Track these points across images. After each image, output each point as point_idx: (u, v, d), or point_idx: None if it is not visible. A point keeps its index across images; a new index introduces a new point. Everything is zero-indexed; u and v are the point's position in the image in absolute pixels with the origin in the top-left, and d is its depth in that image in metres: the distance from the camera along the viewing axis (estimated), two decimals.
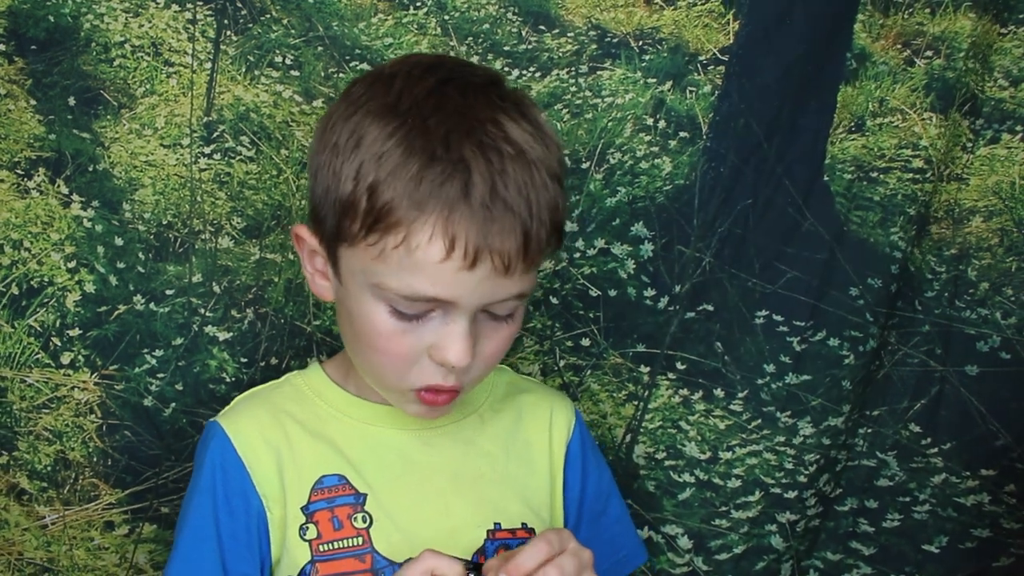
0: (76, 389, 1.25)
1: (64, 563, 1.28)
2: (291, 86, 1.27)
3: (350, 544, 1.03)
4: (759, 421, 1.37)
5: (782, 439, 1.38)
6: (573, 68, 1.31)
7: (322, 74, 1.27)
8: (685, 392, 1.37)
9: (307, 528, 1.03)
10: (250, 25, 1.26)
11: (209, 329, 1.27)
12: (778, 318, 1.36)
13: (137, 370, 1.26)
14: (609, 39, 1.31)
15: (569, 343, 1.35)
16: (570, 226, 1.32)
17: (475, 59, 1.29)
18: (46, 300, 1.24)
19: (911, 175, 1.36)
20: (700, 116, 1.33)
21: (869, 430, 1.40)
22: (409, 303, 0.95)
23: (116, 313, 1.25)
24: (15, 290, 1.23)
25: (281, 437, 1.05)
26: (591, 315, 1.35)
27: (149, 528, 1.29)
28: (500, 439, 1.11)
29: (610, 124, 1.32)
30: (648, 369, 1.36)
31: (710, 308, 1.36)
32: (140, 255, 1.26)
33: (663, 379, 1.36)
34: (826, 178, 1.35)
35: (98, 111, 1.23)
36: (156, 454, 1.27)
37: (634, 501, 1.37)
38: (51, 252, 1.23)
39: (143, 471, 1.27)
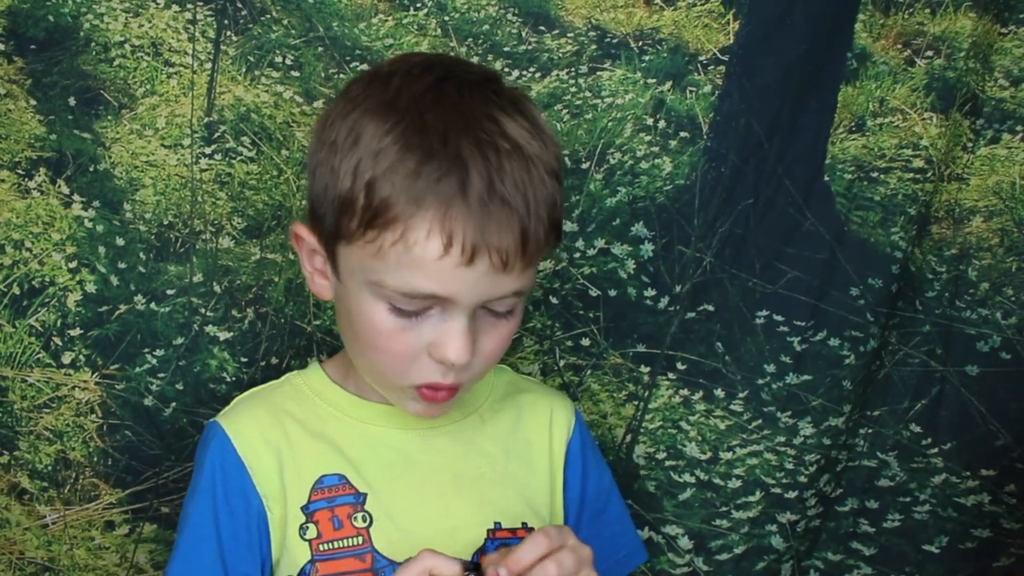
0: (77, 389, 1.25)
1: (65, 562, 1.28)
2: (291, 87, 1.27)
3: (350, 544, 1.03)
4: (759, 421, 1.37)
5: (782, 439, 1.38)
6: (573, 68, 1.31)
7: (322, 75, 1.27)
8: (685, 392, 1.37)
9: (307, 528, 1.03)
10: (250, 25, 1.26)
11: (210, 329, 1.27)
12: (779, 318, 1.36)
13: (138, 370, 1.26)
14: (609, 39, 1.31)
15: (569, 343, 1.35)
16: (570, 226, 1.32)
17: (475, 60, 1.29)
18: (47, 300, 1.24)
19: (912, 175, 1.36)
20: (700, 116, 1.33)
21: (870, 430, 1.40)
22: (408, 300, 0.95)
23: (117, 313, 1.26)
24: (16, 290, 1.23)
25: (281, 437, 1.05)
26: (591, 315, 1.35)
27: (149, 528, 1.29)
28: (500, 439, 1.11)
29: (610, 124, 1.32)
30: (648, 369, 1.36)
31: (711, 308, 1.36)
32: (141, 255, 1.26)
33: (663, 379, 1.36)
34: (827, 178, 1.35)
35: (98, 111, 1.24)
36: (156, 454, 1.28)
37: (634, 501, 1.37)
38: (52, 252, 1.24)
39: (143, 471, 1.28)
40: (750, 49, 1.32)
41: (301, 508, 1.03)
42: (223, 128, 1.26)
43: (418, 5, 1.29)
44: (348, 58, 1.27)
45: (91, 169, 1.24)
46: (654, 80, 1.32)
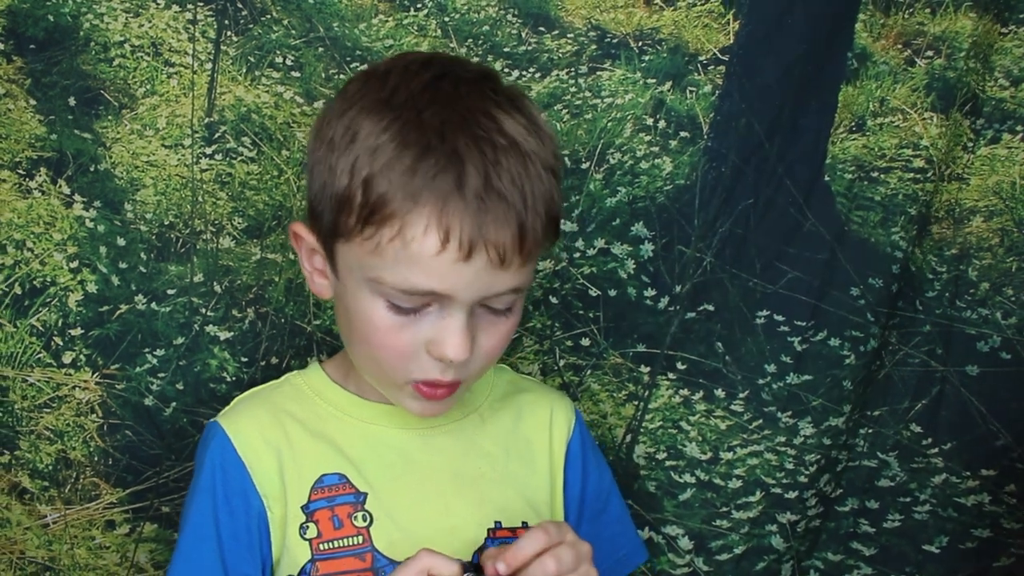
0: (77, 388, 1.25)
1: (65, 562, 1.28)
2: (292, 87, 1.27)
3: (350, 543, 1.03)
4: (760, 421, 1.37)
5: (783, 439, 1.38)
6: (573, 69, 1.31)
7: (323, 75, 1.27)
8: (686, 392, 1.37)
9: (307, 527, 1.03)
10: (251, 26, 1.26)
11: (210, 329, 1.28)
12: (779, 318, 1.36)
13: (138, 369, 1.26)
14: (609, 40, 1.31)
15: (569, 343, 1.35)
16: (570, 226, 1.32)
17: (475, 61, 1.29)
18: (48, 300, 1.24)
19: (912, 175, 1.36)
20: (700, 116, 1.33)
21: (870, 430, 1.40)
22: (406, 297, 0.95)
23: (118, 313, 1.26)
24: (18, 290, 1.24)
25: (281, 436, 1.05)
26: (591, 315, 1.35)
27: (150, 527, 1.29)
28: (500, 438, 1.11)
29: (610, 124, 1.32)
30: (648, 369, 1.36)
31: (711, 308, 1.36)
32: (142, 255, 1.26)
33: (663, 379, 1.36)
34: (827, 178, 1.35)
35: (99, 111, 1.24)
36: (157, 453, 1.28)
37: (635, 501, 1.37)
38: (54, 252, 1.24)
39: (144, 470, 1.28)
40: (750, 49, 1.32)
41: (301, 507, 1.03)
42: (224, 128, 1.26)
43: (418, 6, 1.29)
44: (348, 59, 1.28)
45: (91, 169, 1.24)
46: (654, 80, 1.32)
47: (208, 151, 1.26)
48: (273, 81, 1.27)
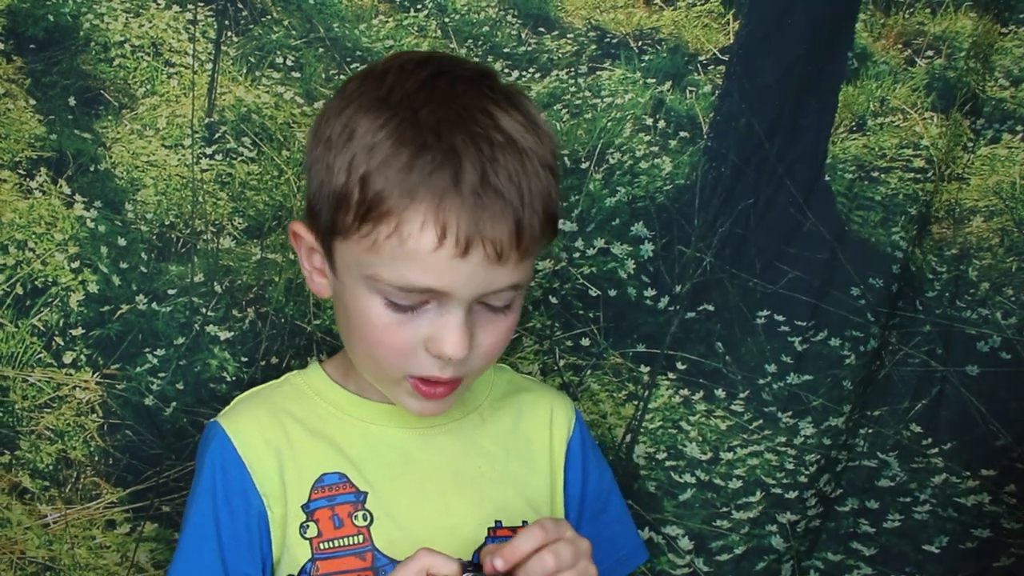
0: (78, 388, 1.26)
1: (66, 562, 1.28)
2: (292, 87, 1.27)
3: (350, 542, 1.03)
4: (760, 421, 1.37)
5: (783, 439, 1.38)
6: (572, 68, 1.31)
7: (323, 76, 1.28)
8: (686, 392, 1.37)
9: (307, 526, 1.03)
10: (251, 26, 1.26)
11: (210, 328, 1.28)
12: (779, 318, 1.36)
13: (138, 369, 1.27)
14: (608, 39, 1.31)
15: (569, 343, 1.36)
16: (569, 226, 1.33)
17: (475, 61, 1.29)
18: (50, 300, 1.24)
19: (912, 175, 1.36)
20: (700, 116, 1.33)
21: (870, 430, 1.40)
22: (403, 294, 0.95)
23: (119, 313, 1.26)
24: (20, 290, 1.24)
25: (281, 436, 1.05)
26: (591, 315, 1.35)
27: (150, 527, 1.29)
28: (500, 437, 1.12)
29: (610, 124, 1.32)
30: (648, 369, 1.36)
31: (711, 308, 1.36)
32: (143, 255, 1.26)
33: (663, 379, 1.36)
34: (827, 178, 1.35)
35: (99, 111, 1.24)
36: (157, 453, 1.28)
37: (635, 502, 1.37)
38: (55, 252, 1.24)
39: (144, 470, 1.28)
40: (750, 49, 1.32)
41: (301, 507, 1.03)
42: (224, 128, 1.26)
43: (418, 7, 1.29)
44: (349, 59, 1.28)
45: (91, 169, 1.24)
46: (654, 80, 1.32)
47: (208, 151, 1.27)
48: (273, 81, 1.27)
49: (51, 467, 1.26)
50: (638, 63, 1.32)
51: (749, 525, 1.39)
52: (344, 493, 1.04)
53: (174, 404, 1.27)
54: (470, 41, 1.30)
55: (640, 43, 1.32)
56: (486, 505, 1.07)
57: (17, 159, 1.22)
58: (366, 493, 1.04)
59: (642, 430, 1.37)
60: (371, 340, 0.99)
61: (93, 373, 1.26)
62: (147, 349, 1.27)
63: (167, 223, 1.26)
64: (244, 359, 1.28)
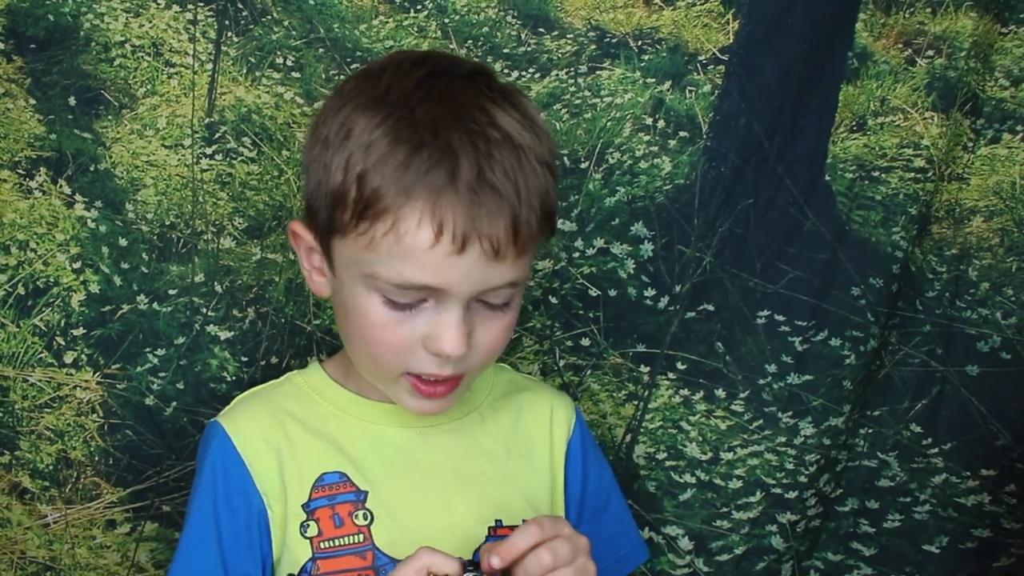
0: (78, 388, 1.26)
1: (66, 562, 1.28)
2: (292, 88, 1.27)
3: (351, 541, 1.03)
4: (760, 421, 1.37)
5: (783, 439, 1.38)
6: (572, 68, 1.31)
7: (323, 76, 1.28)
8: (686, 392, 1.37)
9: (308, 525, 1.03)
10: (251, 26, 1.26)
11: (211, 328, 1.28)
12: (780, 318, 1.36)
13: (139, 369, 1.27)
14: (608, 39, 1.31)
15: (569, 343, 1.36)
16: (569, 226, 1.33)
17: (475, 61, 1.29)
18: (51, 300, 1.25)
19: (912, 174, 1.36)
20: (700, 116, 1.33)
21: (870, 430, 1.40)
22: (401, 292, 0.95)
23: (120, 313, 1.26)
24: (21, 290, 1.24)
25: (281, 435, 1.05)
26: (591, 315, 1.35)
27: (151, 527, 1.29)
28: (501, 437, 1.12)
29: (609, 124, 1.32)
30: (648, 369, 1.36)
31: (711, 308, 1.36)
32: (144, 255, 1.26)
33: (663, 379, 1.36)
34: (827, 177, 1.36)
35: (99, 111, 1.24)
36: (157, 453, 1.28)
37: (635, 502, 1.37)
38: (57, 253, 1.24)
39: (144, 470, 1.28)
40: (750, 49, 1.32)
41: (302, 506, 1.03)
42: (224, 128, 1.27)
43: (418, 7, 1.29)
44: (349, 60, 1.28)
45: (91, 169, 1.24)
46: (653, 80, 1.32)
47: (208, 151, 1.27)
48: (273, 82, 1.27)
49: (51, 467, 1.26)
50: (638, 63, 1.32)
51: (749, 525, 1.39)
52: (344, 492, 1.04)
53: (174, 404, 1.28)
54: (470, 42, 1.30)
55: (640, 43, 1.32)
56: (486, 504, 1.07)
57: (16, 159, 1.22)
58: (366, 492, 1.04)
59: (642, 430, 1.37)
60: (369, 338, 0.99)
61: (94, 373, 1.26)
62: (148, 349, 1.27)
63: (167, 223, 1.26)
64: (244, 359, 1.29)
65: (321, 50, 1.28)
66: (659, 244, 1.34)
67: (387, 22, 1.29)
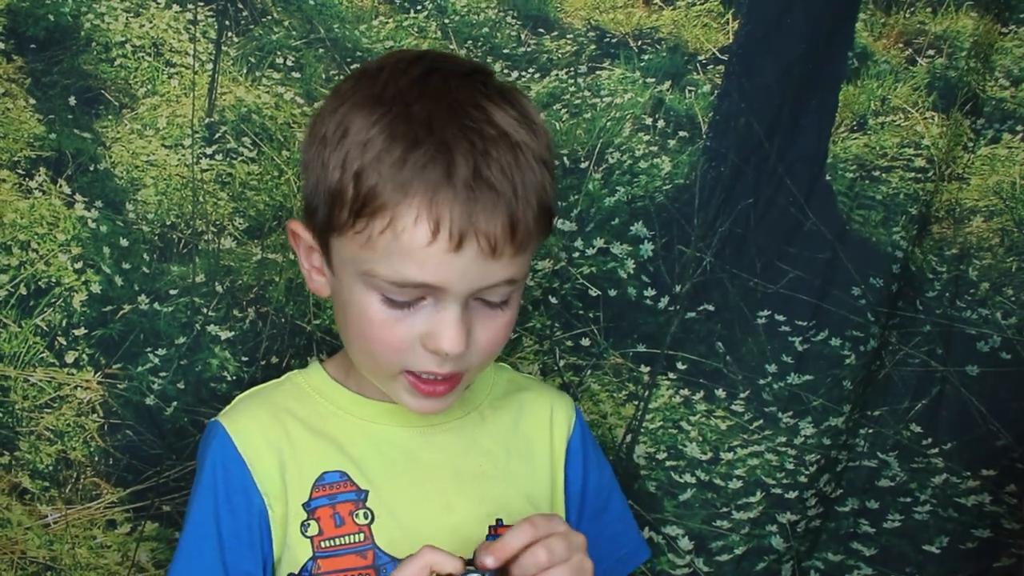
0: (79, 388, 1.26)
1: (66, 562, 1.28)
2: (292, 88, 1.27)
3: (352, 540, 1.03)
4: (760, 421, 1.37)
5: (783, 439, 1.38)
6: (572, 68, 1.31)
7: (323, 76, 1.28)
8: (686, 392, 1.37)
9: (308, 525, 1.03)
10: (251, 26, 1.26)
11: (211, 328, 1.28)
12: (780, 318, 1.36)
13: (139, 369, 1.27)
14: (608, 39, 1.32)
15: (569, 343, 1.36)
16: (569, 225, 1.33)
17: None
18: (53, 300, 1.25)
19: (913, 174, 1.36)
20: (700, 116, 1.33)
21: (870, 430, 1.40)
22: (399, 290, 0.95)
23: (121, 313, 1.26)
24: (23, 290, 1.24)
25: (282, 435, 1.05)
26: (591, 315, 1.35)
27: (151, 526, 1.29)
28: (501, 436, 1.11)
29: (609, 124, 1.32)
30: (648, 369, 1.36)
31: (711, 308, 1.36)
32: (145, 256, 1.26)
33: (664, 379, 1.36)
34: (828, 177, 1.36)
35: (99, 111, 1.24)
36: (157, 453, 1.28)
37: (635, 502, 1.37)
38: (58, 253, 1.24)
39: (144, 470, 1.28)
40: (750, 49, 1.32)
41: (302, 505, 1.03)
42: (224, 129, 1.27)
43: (418, 8, 1.29)
44: (349, 60, 1.28)
45: (91, 169, 1.24)
46: (653, 80, 1.32)
47: (208, 151, 1.27)
48: (274, 82, 1.27)
49: (51, 467, 1.26)
50: (637, 63, 1.32)
51: (749, 525, 1.39)
52: (345, 491, 1.04)
53: (175, 404, 1.28)
54: (470, 42, 1.30)
55: (639, 43, 1.32)
56: (487, 503, 1.07)
57: (16, 159, 1.23)
58: (367, 491, 1.04)
59: (642, 430, 1.37)
60: (368, 337, 0.99)
61: (95, 373, 1.26)
62: (148, 349, 1.27)
63: (168, 223, 1.27)
64: (245, 359, 1.29)
65: (321, 50, 1.28)
66: (659, 244, 1.34)
67: (387, 22, 1.29)
